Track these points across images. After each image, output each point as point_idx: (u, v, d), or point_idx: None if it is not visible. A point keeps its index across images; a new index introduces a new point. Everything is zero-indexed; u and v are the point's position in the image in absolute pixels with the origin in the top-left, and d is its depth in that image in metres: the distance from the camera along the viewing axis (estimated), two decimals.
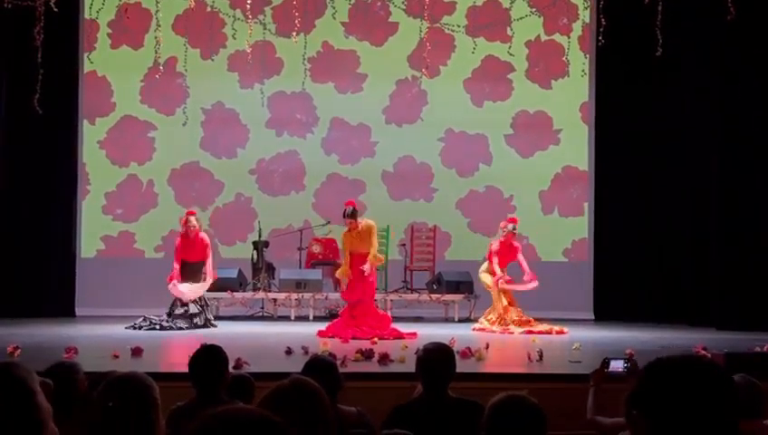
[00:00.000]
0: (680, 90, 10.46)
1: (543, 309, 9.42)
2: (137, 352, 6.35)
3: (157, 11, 9.81)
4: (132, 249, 10.92)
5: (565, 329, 8.81)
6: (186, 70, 10.74)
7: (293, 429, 1.44)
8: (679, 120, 10.48)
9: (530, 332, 8.66)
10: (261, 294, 10.08)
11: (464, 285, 10.09)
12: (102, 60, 10.84)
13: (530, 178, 11.11)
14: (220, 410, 1.39)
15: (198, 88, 10.98)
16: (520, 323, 8.93)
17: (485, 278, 9.22)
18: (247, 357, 5.74)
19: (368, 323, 8.07)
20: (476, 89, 11.22)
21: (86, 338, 7.79)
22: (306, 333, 8.08)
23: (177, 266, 8.90)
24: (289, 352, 6.55)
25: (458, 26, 11.04)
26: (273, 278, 10.30)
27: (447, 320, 10.12)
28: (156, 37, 9.74)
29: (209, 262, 8.96)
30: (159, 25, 9.81)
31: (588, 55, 11.08)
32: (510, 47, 10.79)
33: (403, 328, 8.33)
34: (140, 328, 8.55)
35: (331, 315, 9.64)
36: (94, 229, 10.91)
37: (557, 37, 11.11)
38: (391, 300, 9.92)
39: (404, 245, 10.78)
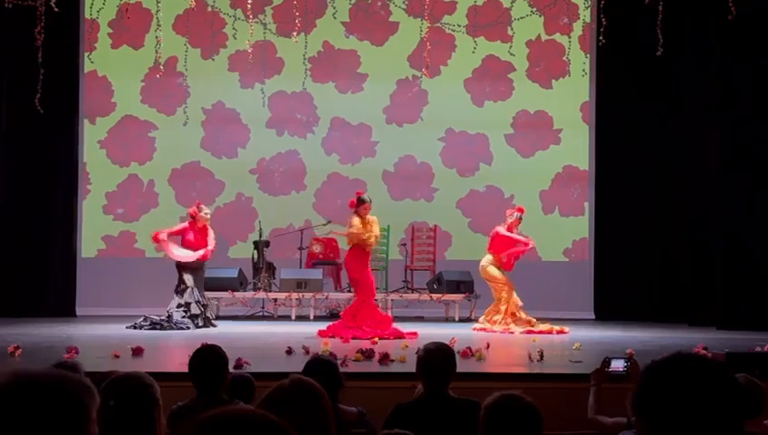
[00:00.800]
0: (681, 89, 10.46)
1: (544, 309, 9.42)
2: (137, 351, 6.35)
3: (157, 11, 9.80)
4: (133, 249, 10.92)
5: (566, 328, 8.80)
6: (186, 70, 10.73)
7: (293, 428, 1.43)
8: (680, 119, 10.48)
9: (530, 331, 8.66)
10: (261, 294, 10.08)
11: (464, 284, 10.09)
12: (103, 60, 10.84)
13: (530, 177, 11.11)
14: (218, 411, 1.39)
15: (199, 88, 10.98)
16: (521, 323, 8.92)
17: (493, 271, 9.08)
18: (248, 357, 5.73)
19: (368, 324, 8.06)
20: (477, 88, 11.22)
21: (87, 338, 7.79)
22: (307, 332, 8.08)
23: (170, 231, 8.91)
24: (290, 351, 6.55)
25: (459, 26, 11.03)
26: (274, 278, 10.30)
27: (448, 320, 10.12)
28: (156, 37, 9.73)
29: (211, 237, 8.95)
30: (160, 25, 9.80)
31: (588, 55, 11.07)
32: (510, 47, 10.79)
33: (404, 328, 8.32)
34: (141, 328, 8.55)
35: (331, 315, 9.64)
36: (95, 229, 10.91)
37: (558, 37, 11.11)
38: (392, 300, 9.91)
39: (404, 244, 10.78)
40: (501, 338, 8.32)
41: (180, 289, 8.89)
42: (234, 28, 10.64)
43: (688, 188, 10.34)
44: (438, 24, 10.69)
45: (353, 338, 7.65)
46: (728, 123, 9.74)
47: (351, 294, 9.00)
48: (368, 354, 6.26)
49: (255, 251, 10.36)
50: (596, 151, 11.15)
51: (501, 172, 11.15)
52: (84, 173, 10.93)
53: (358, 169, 11.07)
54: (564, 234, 11.19)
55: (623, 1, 9.40)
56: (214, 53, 10.99)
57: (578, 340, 7.59)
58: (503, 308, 8.96)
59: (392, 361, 6.05)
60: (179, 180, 11.02)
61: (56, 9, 8.68)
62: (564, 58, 10.72)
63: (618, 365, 4.10)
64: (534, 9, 10.79)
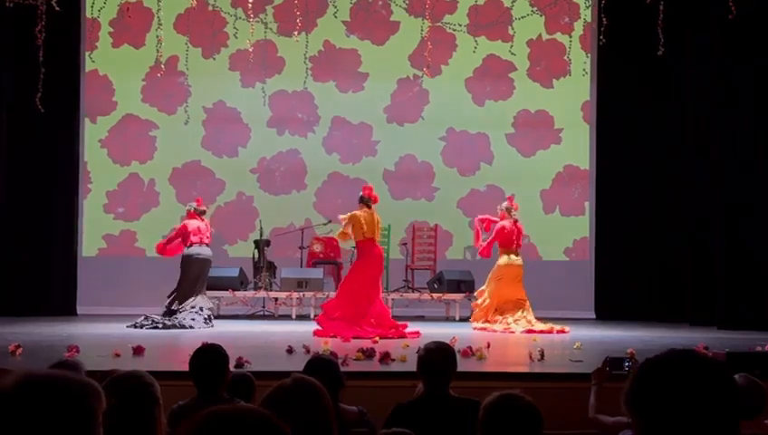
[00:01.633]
0: (682, 88, 10.46)
1: (545, 308, 9.42)
2: (138, 350, 6.35)
3: (158, 10, 9.81)
4: (133, 248, 10.93)
5: (567, 328, 8.80)
6: (187, 69, 10.73)
7: (295, 427, 1.43)
8: (681, 119, 10.47)
9: (531, 331, 8.65)
10: (262, 293, 10.09)
11: (465, 284, 10.09)
12: (104, 59, 10.85)
13: (531, 177, 11.11)
14: (215, 408, 1.40)
15: (200, 87, 10.98)
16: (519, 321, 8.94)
17: (497, 262, 9.16)
18: (248, 356, 5.73)
19: (368, 322, 8.05)
20: (478, 88, 11.22)
21: (87, 337, 7.79)
22: (307, 331, 8.08)
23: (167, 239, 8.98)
24: (290, 350, 6.55)
25: (460, 25, 11.03)
26: (275, 277, 10.31)
27: (449, 319, 10.13)
28: (157, 36, 9.73)
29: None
30: (161, 24, 9.81)
31: (589, 54, 11.08)
32: (511, 46, 10.80)
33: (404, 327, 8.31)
34: (142, 327, 8.55)
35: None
36: (96, 228, 10.92)
37: (558, 36, 11.11)
38: (392, 299, 9.92)
39: (405, 244, 10.79)
40: (501, 337, 8.32)
41: (197, 290, 8.94)
42: (234, 27, 10.65)
43: (689, 188, 10.34)
44: (439, 24, 10.69)
45: (354, 337, 7.65)
46: (729, 123, 9.74)
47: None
48: (368, 353, 6.27)
49: (256, 250, 10.37)
50: (597, 151, 11.15)
51: (502, 172, 11.15)
52: (85, 172, 10.94)
53: (358, 168, 11.07)
54: (565, 233, 11.19)
55: (624, 1, 9.39)
56: (215, 53, 10.99)
57: (578, 339, 7.59)
58: (480, 301, 9.04)
59: (393, 360, 6.05)
60: (180, 179, 11.02)
61: (57, 8, 8.69)
62: (565, 57, 10.71)
63: (619, 365, 4.10)
64: (535, 9, 10.80)
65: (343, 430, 3.19)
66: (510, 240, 9.14)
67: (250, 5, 9.04)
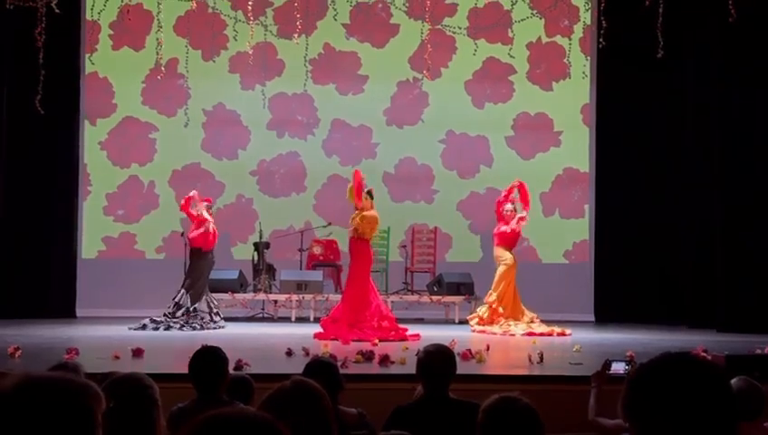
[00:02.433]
0: (681, 91, 10.46)
1: (544, 310, 9.42)
2: (137, 353, 6.35)
3: (158, 12, 9.82)
4: (133, 250, 10.93)
5: (567, 331, 8.80)
6: (187, 71, 10.74)
7: (295, 430, 1.43)
8: (680, 122, 10.48)
9: (531, 333, 8.65)
10: (262, 296, 10.08)
11: (464, 286, 10.09)
12: (104, 61, 10.85)
13: (531, 179, 11.04)
14: (217, 411, 1.40)
15: (200, 89, 10.98)
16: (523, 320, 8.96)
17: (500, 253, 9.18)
18: (248, 358, 5.73)
19: (370, 325, 8.04)
20: (477, 90, 11.23)
21: (87, 339, 7.79)
22: (307, 334, 8.08)
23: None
24: (289, 353, 6.55)
25: (459, 28, 11.04)
26: (274, 279, 10.30)
27: (448, 321, 10.12)
28: (157, 38, 9.74)
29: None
30: (161, 27, 9.81)
31: (589, 57, 11.08)
32: (511, 49, 10.79)
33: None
34: (144, 328, 8.55)
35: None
36: (95, 230, 10.91)
37: (558, 39, 11.12)
38: (392, 301, 9.91)
39: (405, 246, 10.79)
40: (501, 340, 8.32)
41: (207, 289, 8.99)
42: (234, 30, 10.65)
43: (689, 191, 10.34)
44: (439, 27, 10.70)
45: (354, 340, 7.65)
46: (728, 125, 9.74)
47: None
48: (368, 356, 6.26)
49: (256, 253, 10.36)
50: (596, 153, 11.15)
51: (501, 174, 11.13)
52: (85, 174, 10.93)
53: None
54: (564, 236, 11.19)
55: (623, 3, 9.40)
56: (215, 55, 11.00)
57: (578, 342, 7.59)
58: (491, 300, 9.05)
59: (392, 362, 6.05)
60: (180, 182, 11.01)
61: (57, 10, 8.69)
62: (565, 60, 10.72)
63: (618, 368, 4.10)
64: (535, 11, 10.80)
65: (343, 432, 3.19)
66: (516, 240, 9.26)
67: (250, 8, 9.05)
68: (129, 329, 8.56)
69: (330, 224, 10.51)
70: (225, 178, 11.04)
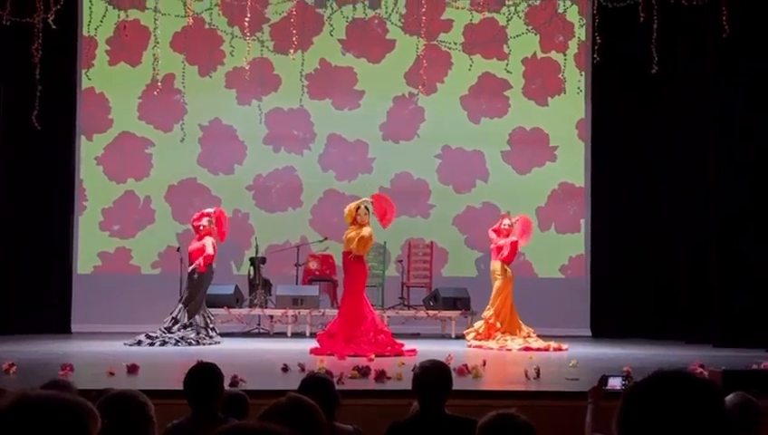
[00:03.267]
0: (676, 105, 10.50)
1: (540, 325, 9.40)
2: (133, 369, 6.32)
3: (155, 28, 9.85)
4: (128, 265, 10.90)
5: (563, 345, 8.78)
6: (184, 86, 10.74)
7: None
8: (676, 136, 10.51)
9: (527, 348, 8.63)
10: (258, 311, 10.06)
11: (460, 301, 10.08)
12: (100, 76, 10.87)
13: (527, 194, 11.13)
14: (239, 424, 1.41)
15: (196, 104, 11.00)
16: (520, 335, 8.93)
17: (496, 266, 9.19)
18: (243, 374, 5.70)
19: (366, 340, 8.02)
20: (473, 105, 11.26)
21: (82, 355, 7.75)
22: (303, 349, 8.05)
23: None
24: (285, 369, 6.52)
25: (455, 44, 11.09)
26: (270, 294, 10.28)
27: (444, 336, 10.10)
28: (154, 54, 9.77)
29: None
30: (158, 42, 9.84)
31: (584, 73, 11.13)
32: (506, 64, 10.84)
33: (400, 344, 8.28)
34: (140, 344, 8.52)
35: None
36: (91, 245, 10.89)
37: (553, 55, 11.17)
38: (388, 316, 9.89)
39: (401, 261, 10.78)
40: (497, 355, 8.30)
41: (204, 305, 8.97)
42: (231, 45, 10.69)
43: (684, 205, 10.36)
44: (435, 42, 10.74)
45: (350, 356, 7.62)
46: (724, 140, 9.77)
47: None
48: (364, 371, 6.24)
49: (252, 267, 10.34)
50: (592, 168, 11.18)
51: (497, 189, 11.17)
52: (81, 189, 10.92)
53: (354, 185, 11.07)
54: (561, 250, 11.20)
55: (618, 19, 9.46)
56: (211, 70, 11.03)
57: (574, 357, 7.58)
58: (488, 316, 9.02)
59: (388, 378, 6.03)
60: (176, 197, 11.01)
61: (54, 26, 8.72)
62: (560, 75, 10.78)
63: (615, 383, 4.09)
64: (530, 27, 10.86)
65: None
66: (514, 255, 9.26)
67: (246, 24, 9.08)
68: (125, 345, 8.53)
69: (326, 239, 10.50)
70: (222, 193, 11.03)
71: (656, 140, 10.73)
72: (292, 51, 9.34)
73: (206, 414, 3.35)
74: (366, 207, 8.39)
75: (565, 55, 10.92)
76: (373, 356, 7.48)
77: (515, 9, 10.44)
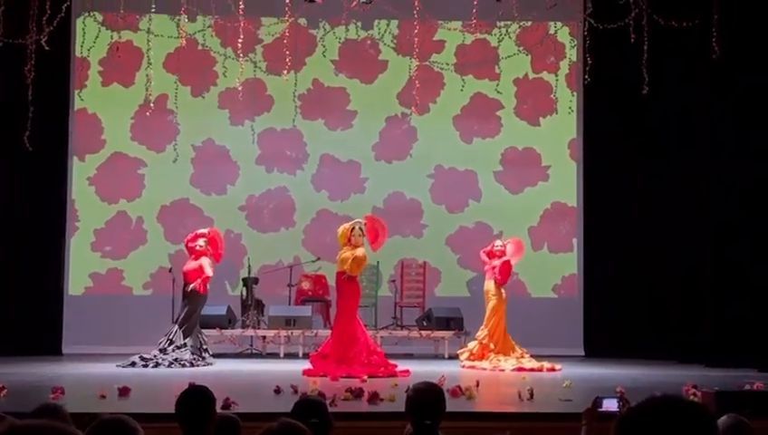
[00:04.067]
0: (667, 126, 10.57)
1: (533, 345, 9.39)
2: (124, 392, 6.28)
3: (148, 49, 9.88)
4: (120, 286, 10.85)
5: (557, 366, 8.76)
6: (176, 107, 10.78)
7: None
8: (667, 156, 10.56)
9: (520, 369, 8.60)
10: (250, 332, 10.02)
11: (454, 321, 10.06)
12: (93, 97, 10.89)
13: (519, 214, 11.15)
14: None
15: (189, 125, 11.02)
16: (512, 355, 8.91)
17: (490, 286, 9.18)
18: (235, 396, 5.67)
19: (359, 361, 7.99)
20: (465, 126, 11.31)
21: (73, 377, 7.70)
22: (296, 370, 8.01)
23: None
24: (278, 390, 6.48)
25: (447, 64, 11.16)
26: (263, 315, 10.25)
27: (438, 356, 10.07)
28: (147, 75, 9.80)
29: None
30: (151, 63, 9.87)
31: (575, 93, 11.20)
32: (498, 85, 10.92)
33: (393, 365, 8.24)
34: (134, 365, 8.46)
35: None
36: (82, 266, 10.85)
37: (545, 75, 11.24)
38: (381, 337, 9.86)
39: (394, 281, 10.77)
40: (491, 375, 8.28)
41: (198, 326, 8.92)
42: (224, 66, 10.74)
43: (677, 225, 10.40)
44: (427, 63, 10.81)
45: (343, 377, 7.58)
46: (715, 158, 9.81)
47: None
48: (357, 393, 6.21)
49: (244, 288, 10.31)
50: (584, 188, 11.22)
51: (490, 209, 11.19)
52: (73, 210, 10.89)
53: (347, 205, 11.08)
54: (553, 270, 11.21)
55: (609, 40, 9.54)
56: (204, 91, 11.06)
57: (568, 377, 7.56)
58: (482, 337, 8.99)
59: (381, 400, 6.00)
60: (168, 217, 10.99)
61: (47, 47, 8.74)
62: (551, 96, 10.85)
63: (609, 405, 4.08)
64: (521, 48, 10.94)
65: None
66: (508, 275, 9.23)
67: (239, 45, 9.12)
68: (118, 366, 8.47)
69: (318, 259, 10.48)
70: (214, 214, 11.02)
71: (648, 159, 10.77)
72: (285, 71, 9.38)
73: None
74: (360, 228, 8.38)
75: (557, 76, 11.01)
76: (366, 377, 7.45)
77: (507, 30, 10.54)
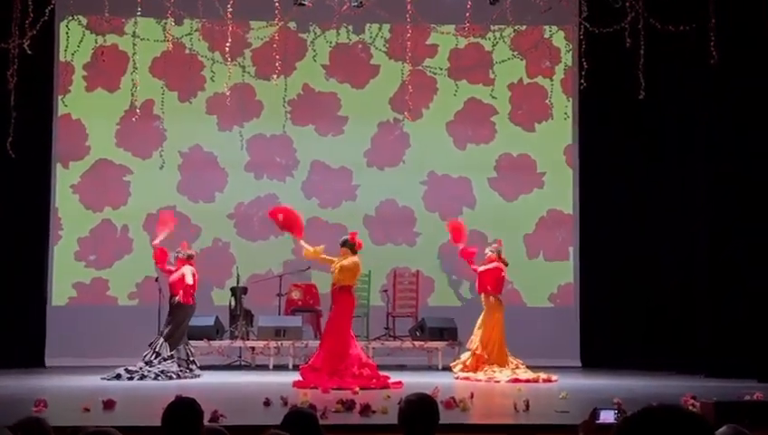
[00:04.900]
0: (664, 131, 10.61)
1: (529, 356, 9.39)
2: (109, 405, 6.25)
3: (134, 53, 9.88)
4: (105, 296, 10.81)
5: (553, 377, 8.77)
6: (163, 112, 10.76)
7: None
8: (664, 161, 10.60)
9: (516, 380, 8.61)
10: (239, 343, 9.99)
11: (447, 331, 10.06)
12: (77, 103, 10.86)
13: (514, 221, 11.17)
14: None
15: (176, 131, 11.00)
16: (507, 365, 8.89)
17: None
18: (224, 409, 5.65)
19: (351, 373, 7.98)
20: (459, 132, 11.33)
21: (57, 390, 7.66)
22: (285, 382, 8.00)
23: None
24: (267, 403, 6.47)
25: (440, 69, 11.18)
26: (252, 326, 10.22)
27: (431, 368, 10.06)
28: (132, 80, 9.79)
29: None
30: (136, 68, 9.87)
31: (570, 98, 11.24)
32: (492, 90, 10.96)
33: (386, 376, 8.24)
34: (119, 378, 8.42)
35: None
36: (66, 276, 10.80)
37: (540, 80, 11.28)
38: (373, 347, 9.86)
39: (386, 290, 10.76)
40: (485, 387, 8.28)
41: (185, 338, 8.89)
42: (212, 71, 10.73)
43: (674, 232, 10.43)
44: (420, 67, 10.84)
45: (333, 389, 7.57)
46: (713, 163, 9.85)
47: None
48: (348, 405, 6.20)
49: (233, 298, 10.29)
50: (580, 195, 11.25)
51: (484, 216, 11.20)
52: (56, 218, 10.85)
53: (338, 213, 11.08)
54: (549, 279, 11.22)
55: (604, 45, 9.58)
56: (191, 96, 11.05)
57: (564, 388, 7.57)
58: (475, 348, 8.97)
59: (374, 412, 6.00)
60: (154, 226, 10.94)
61: (30, 51, 8.72)
62: (547, 101, 10.89)
63: (607, 416, 4.09)
64: (516, 53, 10.98)
65: None
66: (502, 285, 9.18)
67: (227, 49, 9.12)
68: (102, 379, 8.44)
69: (309, 268, 10.47)
70: (202, 222, 11.00)
71: (645, 165, 10.80)
72: (274, 76, 9.40)
73: None
74: (344, 243, 8.44)
75: (552, 81, 11.05)
76: (358, 389, 7.44)
77: (501, 34, 10.59)
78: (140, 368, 8.61)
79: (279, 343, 9.82)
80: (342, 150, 11.22)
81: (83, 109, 10.96)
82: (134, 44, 9.83)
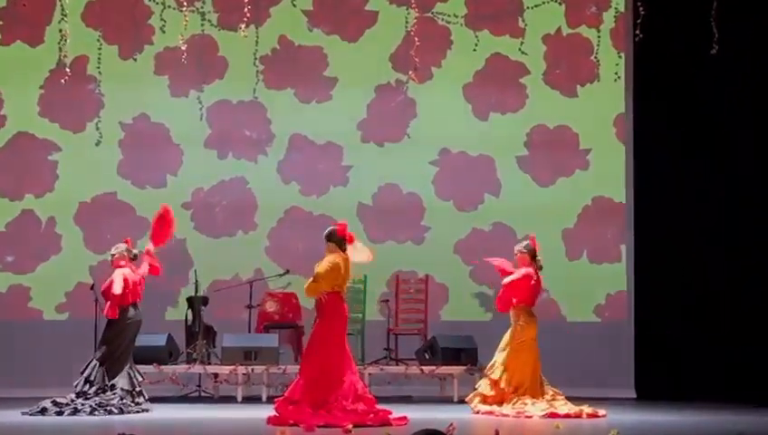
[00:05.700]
0: (739, 95, 10.61)
1: (570, 385, 9.44)
2: None
3: None
4: (26, 309, 10.87)
5: (600, 411, 8.83)
6: (100, 73, 10.80)
7: None
8: (738, 135, 10.63)
9: (553, 414, 8.66)
10: (198, 368, 10.05)
11: (465, 353, 10.11)
12: None
13: (550, 212, 11.21)
14: None
15: (116, 96, 11.04)
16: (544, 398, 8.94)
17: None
18: None
19: (341, 407, 8.03)
20: (480, 97, 11.37)
21: None
22: (257, 418, 8.05)
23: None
24: None
25: (456, 16, 11.21)
26: (214, 346, 10.28)
27: (444, 399, 10.13)
28: (61, 30, 9.82)
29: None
30: (65, 15, 9.90)
31: (623, 54, 11.27)
32: (522, 43, 10.97)
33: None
34: (44, 412, 8.47)
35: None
36: None
37: (583, 30, 11.32)
38: (370, 374, 9.91)
39: (387, 301, 10.81)
40: (514, 423, 8.33)
41: (129, 361, 8.93)
42: (162, 19, 10.76)
43: (755, 223, 10.46)
44: (429, 14, 10.87)
45: (320, 426, 7.63)
46: None
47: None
48: None
49: (190, 311, 10.35)
50: (635, 179, 11.28)
51: (512, 206, 11.24)
52: None
53: (325, 202, 11.13)
54: (595, 286, 11.27)
55: None
56: (136, 52, 11.07)
57: (615, 425, 7.62)
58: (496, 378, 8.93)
59: None
60: (89, 218, 11.01)
61: None
62: (592, 58, 10.91)
63: None
64: None
65: None
66: (535, 295, 9.05)
67: None
68: (24, 414, 8.49)
69: (287, 272, 10.52)
70: (150, 213, 10.99)
71: (716, 140, 10.83)
72: (242, 26, 9.41)
73: None
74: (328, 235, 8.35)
75: (599, 31, 11.07)
76: (351, 427, 7.49)
77: None
78: (72, 400, 8.66)
79: (249, 368, 9.87)
80: (330, 121, 11.27)
81: None
82: None
